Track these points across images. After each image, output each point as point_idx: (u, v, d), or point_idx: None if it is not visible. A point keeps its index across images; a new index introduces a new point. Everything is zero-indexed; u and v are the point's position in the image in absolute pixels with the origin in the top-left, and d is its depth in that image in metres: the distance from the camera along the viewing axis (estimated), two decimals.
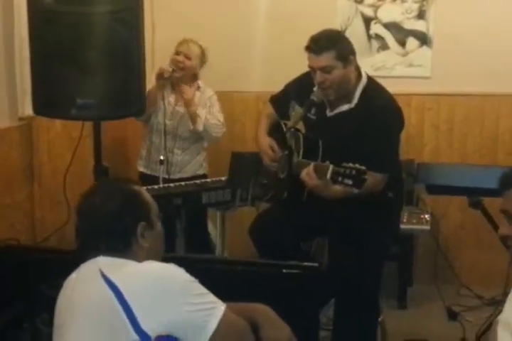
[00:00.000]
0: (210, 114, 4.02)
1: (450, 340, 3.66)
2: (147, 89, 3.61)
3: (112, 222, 1.79)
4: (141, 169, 4.17)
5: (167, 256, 1.93)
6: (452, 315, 4.07)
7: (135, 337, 1.63)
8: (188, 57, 3.97)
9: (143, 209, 1.84)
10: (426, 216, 4.21)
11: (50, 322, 1.88)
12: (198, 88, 4.09)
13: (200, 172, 4.15)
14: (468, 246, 4.56)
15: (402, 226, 3.99)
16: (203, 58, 4.04)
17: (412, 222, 4.14)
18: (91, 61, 2.96)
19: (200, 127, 3.97)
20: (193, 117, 3.96)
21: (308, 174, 2.75)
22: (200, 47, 4.02)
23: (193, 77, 4.08)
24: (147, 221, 1.83)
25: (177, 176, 4.01)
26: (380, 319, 3.35)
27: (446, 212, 4.55)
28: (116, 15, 2.94)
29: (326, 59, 2.85)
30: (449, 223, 4.57)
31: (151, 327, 1.64)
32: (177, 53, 3.98)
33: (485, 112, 4.45)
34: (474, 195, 3.12)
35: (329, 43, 2.85)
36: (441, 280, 4.47)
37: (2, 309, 2.79)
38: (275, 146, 3.16)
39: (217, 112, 4.07)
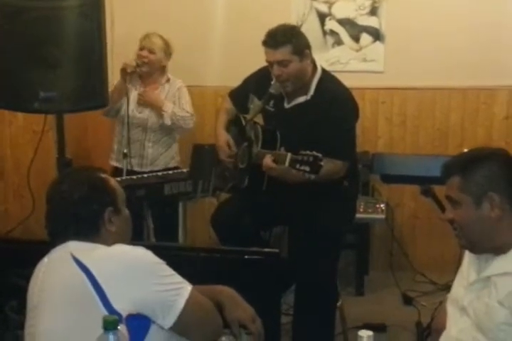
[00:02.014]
0: (178, 107, 4.05)
1: (406, 323, 3.79)
2: (111, 84, 3.69)
3: (79, 208, 1.86)
4: (114, 163, 4.18)
5: (133, 243, 1.99)
6: (407, 300, 4.23)
7: None
8: (151, 52, 4.01)
9: (109, 195, 1.92)
10: (381, 205, 4.33)
11: (18, 310, 1.95)
12: (168, 80, 4.13)
13: (172, 164, 4.18)
14: (422, 234, 4.71)
15: (359, 215, 4.10)
16: (167, 50, 4.07)
17: (368, 212, 4.25)
18: (53, 55, 3.01)
19: (167, 121, 4.02)
20: (159, 113, 4.02)
21: (267, 161, 2.86)
22: (163, 39, 4.05)
23: (162, 70, 4.11)
24: (114, 206, 1.91)
25: (148, 169, 4.05)
26: (338, 304, 3.47)
27: (401, 201, 4.70)
28: (77, 9, 2.99)
29: (283, 53, 2.96)
30: (404, 212, 4.72)
31: (121, 307, 1.72)
32: (141, 48, 4.02)
33: (436, 105, 4.61)
34: (425, 184, 3.26)
35: (285, 38, 2.95)
36: (397, 268, 4.61)
37: None
38: (231, 143, 3.26)
39: (186, 103, 4.10)
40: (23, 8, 3.00)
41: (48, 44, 2.99)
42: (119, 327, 1.50)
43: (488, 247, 1.93)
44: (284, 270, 2.96)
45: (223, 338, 2.03)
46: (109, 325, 1.42)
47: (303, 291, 3.18)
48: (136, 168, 4.05)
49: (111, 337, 1.41)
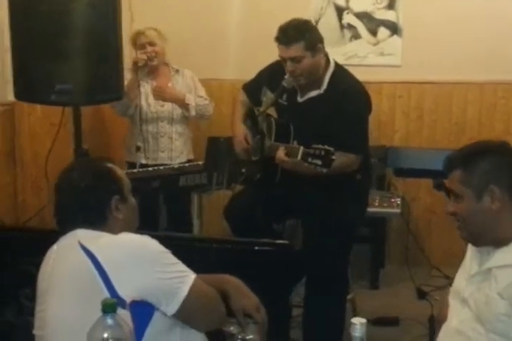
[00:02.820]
0: (197, 96, 4.08)
1: (419, 317, 3.79)
2: (126, 79, 3.72)
3: (86, 196, 1.91)
4: (143, 161, 4.12)
5: (147, 233, 2.01)
6: (422, 295, 4.21)
7: None
8: (152, 44, 4.01)
9: (116, 183, 1.96)
10: (397, 200, 4.32)
11: (32, 297, 2.00)
12: (177, 71, 4.14)
13: (191, 156, 4.21)
14: (438, 228, 4.70)
15: (374, 209, 4.15)
16: (162, 36, 4.06)
17: (384, 206, 4.25)
18: (69, 48, 3.07)
19: (193, 113, 4.05)
20: (183, 106, 4.03)
21: (279, 155, 2.88)
22: (154, 29, 4.05)
23: (163, 60, 4.11)
24: (120, 194, 1.96)
25: (177, 161, 4.07)
26: (349, 297, 3.49)
27: (417, 195, 4.70)
28: (92, 3, 3.04)
29: (296, 50, 2.97)
30: (419, 206, 4.71)
31: (125, 293, 1.76)
32: (141, 47, 4.00)
33: (453, 99, 4.59)
34: (438, 178, 3.27)
35: (297, 34, 2.95)
36: (412, 262, 4.59)
37: None
38: (249, 137, 3.27)
39: (202, 90, 4.13)
40: (40, 3, 3.06)
41: (63, 37, 3.05)
42: (118, 311, 1.54)
43: (490, 240, 1.94)
44: (295, 261, 2.99)
45: (231, 328, 2.06)
46: (108, 308, 1.45)
47: (313, 283, 3.21)
48: (166, 161, 4.05)
49: (109, 320, 1.44)
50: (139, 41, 4.02)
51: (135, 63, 3.93)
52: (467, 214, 1.94)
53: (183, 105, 4.03)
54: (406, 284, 4.41)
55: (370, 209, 3.90)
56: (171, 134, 4.12)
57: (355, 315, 3.60)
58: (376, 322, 3.86)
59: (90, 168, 1.99)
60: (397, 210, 4.27)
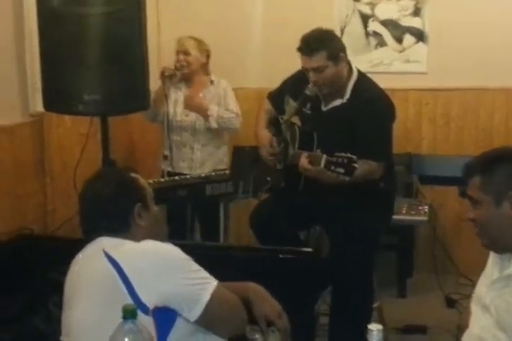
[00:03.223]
0: (223, 108, 4.06)
1: (448, 326, 3.76)
2: (153, 89, 3.77)
3: (110, 204, 1.95)
4: (167, 168, 4.16)
5: (173, 242, 2.03)
6: (450, 303, 4.20)
7: None
8: (186, 53, 4.04)
9: (138, 192, 2.00)
10: (424, 207, 4.31)
11: (61, 305, 2.04)
12: (212, 82, 4.14)
13: (221, 167, 4.15)
14: (466, 236, 4.64)
15: (401, 217, 4.14)
16: (201, 47, 4.08)
17: (411, 213, 4.23)
18: (96, 59, 3.10)
19: (213, 125, 4.04)
20: (205, 116, 4.04)
21: (303, 163, 2.90)
22: (195, 38, 4.08)
23: (204, 69, 4.13)
24: (143, 202, 1.99)
25: (198, 171, 4.06)
26: (376, 305, 3.48)
27: (444, 203, 4.66)
28: (117, 14, 3.08)
29: (318, 60, 2.98)
30: (447, 214, 4.67)
31: (148, 299, 1.79)
32: (177, 54, 4.06)
33: (480, 106, 4.56)
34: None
35: (319, 44, 2.97)
36: (441, 270, 4.57)
37: (17, 294, 2.95)
38: (274, 142, 3.28)
39: (231, 103, 4.10)
40: (68, 14, 3.09)
41: (89, 48, 3.08)
42: (141, 317, 1.57)
43: (509, 246, 1.93)
44: (320, 269, 3.00)
45: (256, 335, 2.08)
46: (128, 314, 1.48)
47: (338, 291, 3.21)
48: (186, 171, 4.07)
49: (129, 325, 1.46)
50: (177, 48, 4.08)
51: (162, 73, 3.97)
52: (486, 221, 1.94)
53: (205, 116, 4.03)
54: (434, 292, 4.39)
55: (397, 217, 3.91)
56: (192, 144, 4.12)
57: (382, 324, 3.59)
58: (404, 330, 3.85)
59: (113, 177, 2.04)
60: (425, 218, 4.25)
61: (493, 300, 1.94)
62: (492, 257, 2.04)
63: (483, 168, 1.93)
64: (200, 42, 4.09)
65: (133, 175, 2.05)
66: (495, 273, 1.98)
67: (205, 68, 4.15)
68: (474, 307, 2.06)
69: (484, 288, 2.01)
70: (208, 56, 4.15)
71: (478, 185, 1.93)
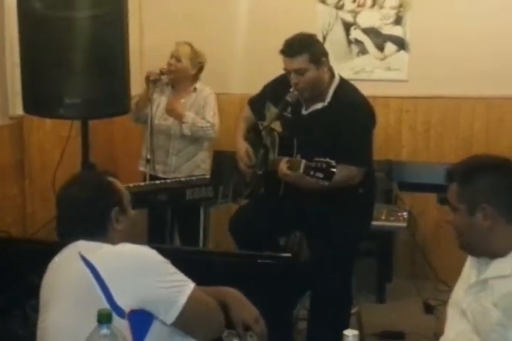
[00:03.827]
0: (200, 116, 4.04)
1: (425, 332, 3.77)
2: (135, 93, 3.77)
3: (87, 208, 1.95)
4: (142, 169, 4.18)
5: (151, 246, 2.02)
6: (429, 309, 4.22)
7: None
8: (178, 60, 4.04)
9: (115, 196, 2.00)
10: (403, 214, 4.33)
11: (38, 309, 2.03)
12: (194, 89, 4.13)
13: (197, 173, 4.12)
14: (446, 242, 4.67)
15: (380, 223, 4.17)
16: (194, 59, 4.07)
17: (390, 220, 4.26)
18: (77, 63, 3.09)
19: (187, 132, 4.03)
20: (180, 123, 4.03)
21: (282, 168, 2.92)
22: (192, 48, 4.07)
23: (192, 79, 4.13)
24: (120, 206, 2.00)
25: (171, 176, 4.06)
26: (354, 310, 3.49)
27: (424, 210, 4.69)
28: (99, 18, 3.08)
29: (300, 62, 3.01)
30: (427, 221, 4.71)
31: (124, 303, 1.79)
32: (170, 57, 4.06)
33: (460, 114, 4.60)
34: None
35: (302, 47, 3.00)
36: (420, 276, 4.61)
37: None
38: (250, 152, 3.29)
39: (209, 112, 4.07)
40: (49, 18, 3.08)
41: (71, 51, 3.07)
42: (116, 321, 1.56)
43: (484, 252, 1.95)
44: (299, 275, 3.01)
45: (234, 340, 2.08)
46: (103, 318, 1.47)
47: (316, 296, 3.23)
48: (160, 175, 4.09)
49: (104, 330, 1.46)
50: (172, 51, 4.07)
51: (147, 77, 3.97)
52: (460, 227, 1.97)
53: (181, 122, 4.03)
54: (413, 298, 4.42)
55: (377, 223, 3.94)
56: (168, 148, 4.12)
57: (360, 329, 3.62)
58: (381, 336, 3.87)
59: (90, 181, 2.04)
60: (404, 224, 4.27)
61: (470, 304, 1.96)
62: (470, 261, 2.06)
63: (461, 177, 1.95)
64: (195, 54, 4.08)
65: (110, 178, 2.05)
66: (472, 277, 2.00)
67: (193, 78, 4.14)
68: (451, 312, 2.07)
69: (461, 293, 2.02)
70: (200, 68, 4.14)
71: (455, 192, 1.95)
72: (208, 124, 4.05)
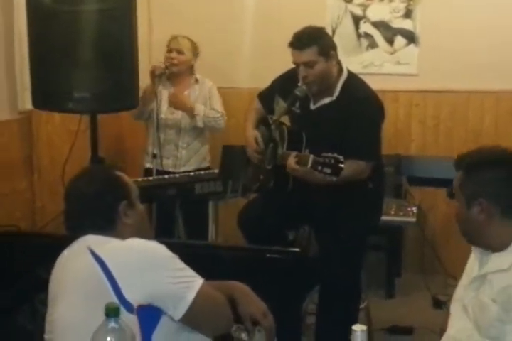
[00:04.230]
0: (208, 107, 4.10)
1: (434, 327, 3.73)
2: (142, 87, 3.77)
3: (95, 202, 1.95)
4: (148, 165, 4.21)
5: (161, 241, 2.02)
6: (438, 304, 4.21)
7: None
8: (180, 52, 4.07)
9: (123, 190, 2.00)
10: (413, 208, 4.31)
11: (47, 303, 2.04)
12: (196, 81, 4.17)
13: (204, 165, 4.23)
14: (455, 237, 4.64)
15: (390, 218, 4.15)
16: (194, 50, 4.13)
17: (399, 215, 4.24)
18: (86, 57, 3.10)
19: (200, 124, 4.07)
20: (191, 115, 4.07)
21: (290, 163, 2.91)
22: (190, 40, 4.12)
23: (190, 70, 4.17)
24: (128, 200, 1.99)
25: (182, 169, 4.10)
26: (363, 305, 3.49)
27: (433, 204, 4.68)
28: (108, 13, 3.08)
29: (309, 54, 2.99)
30: (436, 215, 4.70)
31: (133, 297, 1.79)
32: (169, 51, 4.09)
33: (470, 108, 4.59)
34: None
35: (311, 39, 2.99)
36: (429, 271, 4.60)
37: (3, 291, 2.94)
38: (259, 139, 3.29)
39: (217, 103, 4.14)
40: (58, 12, 3.09)
41: (79, 46, 3.08)
42: (125, 316, 1.56)
43: (482, 244, 1.96)
44: (307, 269, 3.00)
45: (242, 334, 2.08)
46: (111, 312, 1.47)
47: (325, 291, 3.22)
48: (170, 169, 4.11)
49: (112, 324, 1.46)
50: (170, 45, 4.10)
51: (152, 71, 3.98)
52: (458, 218, 2.00)
53: (192, 115, 4.06)
54: (422, 293, 4.41)
55: (386, 218, 3.92)
56: (177, 142, 4.16)
57: (369, 324, 3.61)
58: (390, 330, 3.87)
59: (97, 175, 2.04)
60: (413, 219, 4.26)
61: (471, 300, 1.95)
62: (473, 253, 2.06)
63: (467, 168, 1.95)
64: (193, 44, 4.13)
65: (118, 172, 2.05)
66: (475, 270, 1.99)
67: (191, 70, 4.19)
68: (454, 308, 2.07)
69: (463, 288, 2.02)
70: (197, 58, 4.18)
71: (459, 182, 1.97)
72: (219, 114, 4.12)
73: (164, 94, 4.14)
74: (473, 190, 1.92)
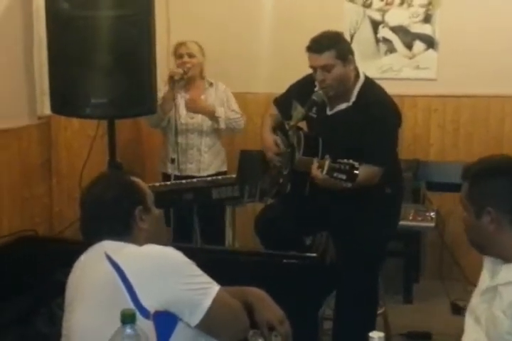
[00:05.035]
0: (227, 109, 4.13)
1: (453, 333, 3.71)
2: (161, 94, 3.78)
3: (111, 207, 1.96)
4: (169, 170, 4.16)
5: (178, 246, 2.03)
6: (456, 310, 4.17)
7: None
8: (191, 56, 4.09)
9: (139, 195, 2.01)
10: (431, 213, 4.30)
11: (64, 306, 2.05)
12: (211, 85, 4.20)
13: (223, 169, 4.26)
14: None
15: (408, 223, 4.14)
16: (203, 52, 4.15)
17: (418, 220, 4.23)
18: (104, 62, 3.11)
19: (222, 126, 4.09)
20: (213, 118, 4.08)
21: (314, 169, 2.90)
22: (197, 43, 4.14)
23: (201, 74, 4.19)
24: (144, 205, 2.00)
25: (206, 173, 4.12)
26: (381, 311, 3.47)
27: (452, 210, 4.63)
28: (126, 18, 3.10)
29: (327, 58, 2.99)
30: (455, 221, 4.64)
31: (149, 303, 1.79)
32: (179, 56, 4.10)
33: (490, 113, 4.55)
34: None
35: (329, 43, 2.99)
36: (448, 277, 4.57)
37: (21, 296, 2.96)
38: (279, 142, 3.28)
39: (234, 104, 4.17)
40: (77, 18, 3.10)
41: (97, 51, 3.09)
42: (141, 322, 1.56)
43: (492, 254, 1.93)
44: (324, 274, 2.99)
45: (259, 340, 2.08)
46: (127, 318, 1.47)
47: (342, 296, 3.20)
48: (194, 173, 4.11)
49: (128, 330, 1.46)
50: (179, 51, 4.12)
51: (171, 77, 3.99)
52: (468, 227, 1.96)
53: (213, 118, 4.08)
54: (440, 299, 4.38)
55: (404, 223, 3.91)
56: (199, 146, 4.17)
57: (387, 330, 3.59)
58: (408, 336, 3.85)
59: (113, 181, 2.05)
60: (432, 224, 4.24)
61: (483, 311, 1.92)
62: (485, 262, 2.03)
63: (473, 177, 1.93)
64: (200, 47, 4.15)
65: (133, 178, 2.05)
66: (486, 280, 1.97)
67: (202, 72, 4.21)
68: (468, 319, 2.03)
69: (476, 299, 2.00)
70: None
71: (466, 192, 1.94)
72: (239, 115, 4.16)
73: (180, 99, 4.14)
74: (481, 200, 1.89)
